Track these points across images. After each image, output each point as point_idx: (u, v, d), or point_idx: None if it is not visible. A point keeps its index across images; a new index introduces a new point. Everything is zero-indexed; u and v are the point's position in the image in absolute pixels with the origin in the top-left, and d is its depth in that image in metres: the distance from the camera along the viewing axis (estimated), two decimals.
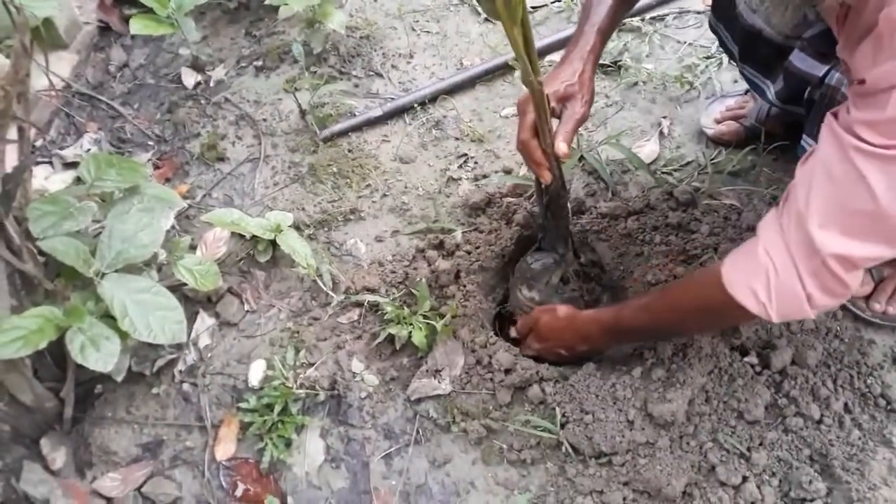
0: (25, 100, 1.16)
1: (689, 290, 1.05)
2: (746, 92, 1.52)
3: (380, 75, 1.79)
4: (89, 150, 1.72)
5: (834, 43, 0.89)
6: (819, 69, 1.06)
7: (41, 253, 1.21)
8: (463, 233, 1.42)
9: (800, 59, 1.08)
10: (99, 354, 1.15)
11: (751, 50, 1.20)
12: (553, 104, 1.06)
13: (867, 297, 1.25)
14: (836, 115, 0.82)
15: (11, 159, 1.13)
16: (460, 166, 1.57)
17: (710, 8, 1.30)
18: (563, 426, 1.16)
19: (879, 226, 0.79)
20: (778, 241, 0.87)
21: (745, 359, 1.19)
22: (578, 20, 1.15)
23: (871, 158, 0.76)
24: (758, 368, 1.18)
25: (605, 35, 1.13)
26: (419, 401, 1.25)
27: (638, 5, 1.56)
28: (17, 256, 1.15)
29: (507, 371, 1.23)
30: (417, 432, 1.22)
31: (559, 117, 1.08)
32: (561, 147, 1.04)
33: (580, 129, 1.16)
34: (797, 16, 0.84)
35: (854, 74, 0.79)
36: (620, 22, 1.17)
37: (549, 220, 1.19)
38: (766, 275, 0.88)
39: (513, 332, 1.32)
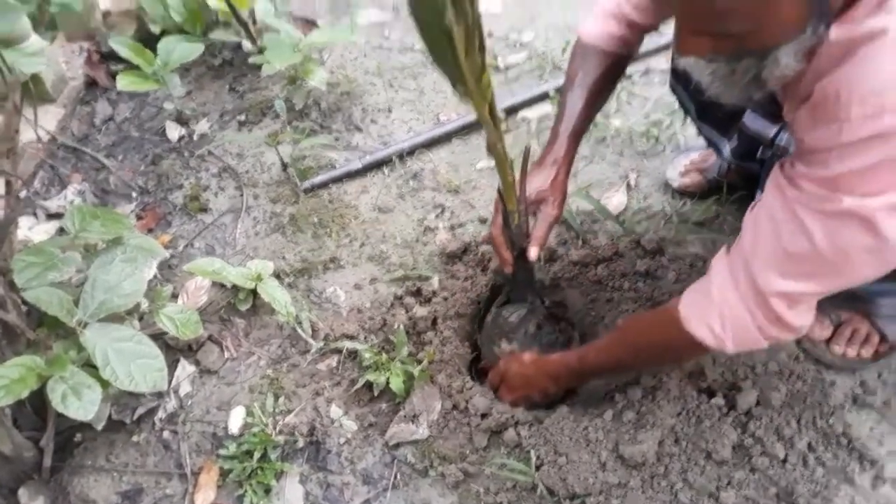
0: (14, 154, 1.20)
1: (648, 328, 1.11)
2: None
3: (359, 129, 1.85)
4: (73, 200, 1.76)
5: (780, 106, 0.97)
6: (770, 129, 1.14)
7: (24, 303, 1.24)
8: (440, 280, 1.47)
9: (752, 120, 1.15)
10: (80, 403, 1.17)
11: (707, 111, 1.28)
12: (527, 205, 1.15)
13: (827, 341, 1.30)
14: (782, 167, 0.88)
15: None
16: (437, 216, 1.62)
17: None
18: (538, 468, 1.18)
19: (816, 268, 0.87)
20: (728, 281, 0.95)
21: (713, 400, 1.23)
22: (554, 120, 1.24)
23: (809, 209, 0.83)
24: (724, 410, 1.22)
25: (577, 138, 1.22)
26: (397, 446, 1.27)
27: None
28: (1, 307, 1.17)
29: (483, 415, 1.26)
30: (395, 477, 1.24)
31: (534, 215, 1.18)
32: (533, 253, 1.17)
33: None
34: (745, 95, 0.92)
35: (796, 135, 0.86)
36: (592, 121, 1.27)
37: (518, 271, 1.24)
38: (719, 311, 0.96)
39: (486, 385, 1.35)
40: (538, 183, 1.18)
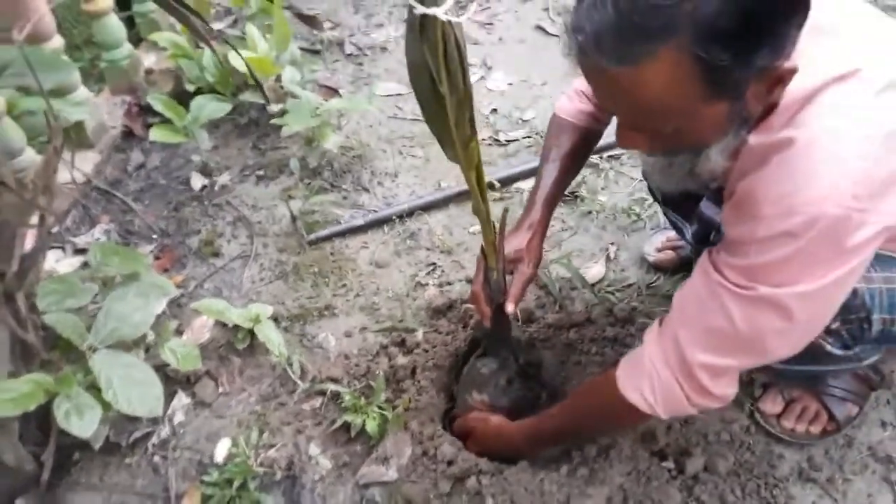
0: (50, 193, 1.35)
1: (589, 394, 1.21)
2: None
3: (366, 190, 2.00)
4: (99, 238, 1.91)
5: None
6: (720, 216, 1.24)
7: (43, 327, 1.37)
8: (423, 333, 1.58)
9: (706, 207, 1.26)
10: (81, 422, 1.29)
11: (670, 197, 1.40)
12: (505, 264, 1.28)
13: (778, 416, 1.37)
14: (710, 253, 0.99)
15: (29, 242, 1.31)
16: (428, 273, 1.74)
17: None
18: None
19: (735, 345, 0.96)
20: (658, 351, 1.04)
21: (663, 463, 1.31)
22: (532, 189, 1.38)
23: (729, 293, 0.93)
24: (674, 473, 1.30)
25: (551, 204, 1.35)
26: (367, 486, 1.36)
27: (597, 145, 1.80)
28: (21, 327, 1.30)
29: (450, 462, 1.35)
30: None
31: (511, 274, 1.30)
32: (509, 308, 1.28)
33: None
34: (682, 186, 1.04)
35: (723, 227, 0.97)
36: (566, 189, 1.40)
37: (494, 328, 1.35)
38: (650, 379, 1.04)
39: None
40: (515, 244, 1.30)
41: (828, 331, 1.01)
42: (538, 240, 1.32)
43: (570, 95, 1.38)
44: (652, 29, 0.74)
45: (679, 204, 1.38)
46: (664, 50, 0.74)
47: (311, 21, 2.41)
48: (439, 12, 0.86)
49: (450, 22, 0.88)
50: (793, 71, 0.80)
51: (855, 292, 0.98)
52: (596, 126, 1.37)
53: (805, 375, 1.29)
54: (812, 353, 1.02)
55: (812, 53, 0.85)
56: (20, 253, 1.27)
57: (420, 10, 0.87)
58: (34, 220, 1.32)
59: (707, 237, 1.28)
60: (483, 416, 1.37)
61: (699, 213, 1.29)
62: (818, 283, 0.86)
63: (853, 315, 1.01)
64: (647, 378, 1.05)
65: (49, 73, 1.44)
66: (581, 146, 1.37)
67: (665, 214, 1.50)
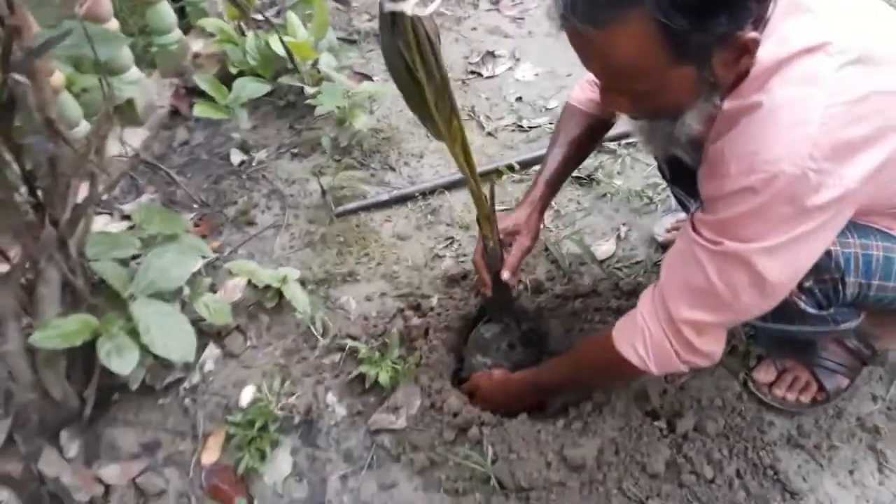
0: (101, 152, 1.49)
1: (588, 349, 1.31)
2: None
3: (393, 169, 2.11)
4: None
5: None
6: None
7: (88, 276, 1.51)
8: (438, 299, 1.68)
9: None
10: (121, 360, 1.41)
11: (677, 173, 1.47)
12: (503, 237, 1.39)
13: (770, 384, 1.44)
14: (692, 215, 1.07)
15: (82, 195, 1.45)
16: (446, 246, 1.84)
17: None
18: (493, 462, 1.35)
19: (714, 300, 1.03)
20: (650, 310, 1.12)
21: (655, 422, 1.38)
22: (539, 169, 1.48)
23: (703, 250, 1.01)
24: (665, 432, 1.37)
25: (553, 185, 1.46)
26: (377, 432, 1.46)
27: (614, 132, 1.89)
28: (71, 272, 1.44)
29: (455, 414, 1.44)
30: (372, 458, 1.43)
31: (510, 246, 1.40)
32: (505, 275, 1.39)
33: (546, 222, 1.48)
34: (665, 149, 1.13)
35: (699, 188, 1.05)
36: (570, 173, 1.51)
37: (496, 295, 1.45)
38: (642, 335, 1.12)
39: None
40: (515, 218, 1.41)
41: (801, 288, 1.08)
42: (537, 215, 1.42)
43: (583, 85, 1.47)
44: None
45: (685, 180, 1.45)
46: (630, 16, 0.83)
47: (342, 1, 2.55)
48: (406, 7, 0.97)
49: (417, 16, 0.99)
50: (755, 41, 0.87)
51: (829, 253, 1.05)
52: (604, 115, 1.45)
53: (790, 339, 1.36)
54: (787, 310, 1.09)
55: (786, 27, 0.93)
56: (73, 202, 1.40)
57: (389, 6, 0.98)
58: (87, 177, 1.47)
59: None
60: (486, 372, 1.46)
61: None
62: (779, 240, 0.94)
63: (826, 275, 1.08)
64: (640, 334, 1.13)
65: (104, 45, 1.58)
66: (588, 132, 1.46)
67: (673, 192, 1.57)
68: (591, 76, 1.45)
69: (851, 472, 1.34)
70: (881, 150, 0.91)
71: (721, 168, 0.96)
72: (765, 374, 1.45)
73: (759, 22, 0.90)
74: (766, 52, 0.92)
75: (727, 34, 0.86)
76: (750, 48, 0.88)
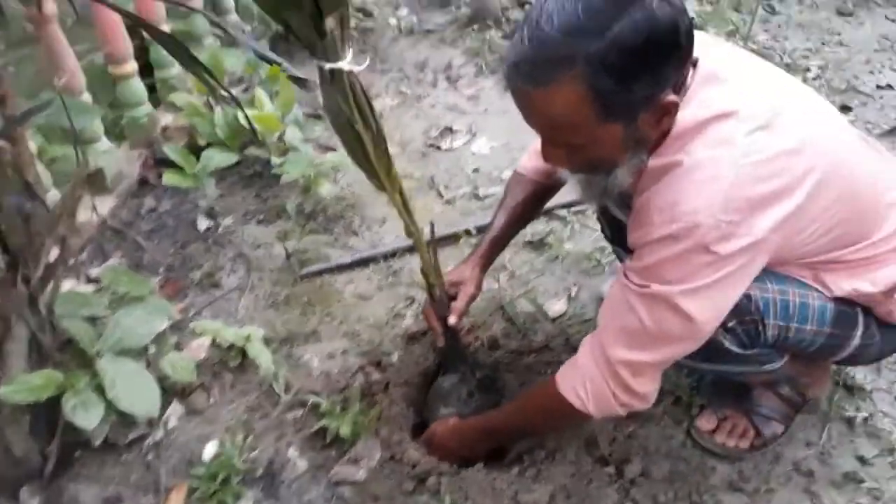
0: (73, 215, 1.56)
1: (533, 394, 1.41)
2: None
3: (356, 234, 2.21)
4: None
5: None
6: None
7: (55, 331, 1.54)
8: (398, 355, 1.75)
9: None
10: (86, 415, 1.45)
11: (616, 233, 1.59)
12: (449, 287, 1.50)
13: (712, 432, 1.52)
14: (623, 265, 1.18)
15: (54, 256, 1.51)
16: (406, 306, 1.92)
17: None
18: None
19: (647, 340, 1.13)
20: (588, 353, 1.21)
21: (605, 468, 1.45)
22: (486, 229, 1.61)
23: (634, 294, 1.11)
24: (613, 477, 1.44)
25: (497, 244, 1.58)
26: (338, 484, 1.49)
27: (564, 200, 2.02)
28: (40, 329, 1.48)
29: (414, 465, 1.49)
30: None
31: (454, 298, 1.50)
32: (451, 320, 1.48)
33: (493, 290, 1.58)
34: (600, 201, 1.25)
35: (628, 237, 1.16)
36: (515, 234, 1.63)
37: (448, 342, 1.53)
38: (582, 378, 1.21)
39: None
40: (460, 271, 1.53)
41: (725, 328, 1.18)
42: (479, 268, 1.54)
43: (530, 154, 1.60)
44: (555, 60, 0.95)
45: (624, 240, 1.57)
46: (565, 77, 0.95)
47: (300, 82, 2.68)
48: (342, 65, 1.10)
49: (352, 71, 1.12)
50: (675, 103, 1.01)
51: (749, 297, 1.16)
52: (548, 182, 1.57)
53: (726, 383, 1.49)
54: (714, 350, 1.19)
55: (703, 96, 1.06)
56: (45, 262, 1.46)
57: (327, 65, 1.10)
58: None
59: None
60: (442, 420, 1.52)
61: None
62: (699, 283, 1.05)
63: (747, 317, 1.19)
64: (580, 378, 1.21)
65: (80, 116, 1.68)
66: (532, 197, 1.58)
67: (614, 252, 1.69)
68: (537, 146, 1.58)
69: None
70: (786, 205, 1.04)
71: (645, 218, 1.07)
72: (706, 422, 1.53)
73: (679, 87, 1.03)
74: (686, 116, 1.05)
75: (650, 96, 0.98)
76: (670, 110, 1.01)
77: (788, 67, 2.78)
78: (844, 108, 2.58)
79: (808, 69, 2.82)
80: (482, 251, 1.55)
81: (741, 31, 2.97)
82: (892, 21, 3.18)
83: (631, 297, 1.12)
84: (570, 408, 1.23)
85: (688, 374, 1.60)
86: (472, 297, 1.50)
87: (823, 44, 3.05)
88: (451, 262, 2.00)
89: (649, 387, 1.19)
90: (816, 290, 1.23)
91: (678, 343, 1.13)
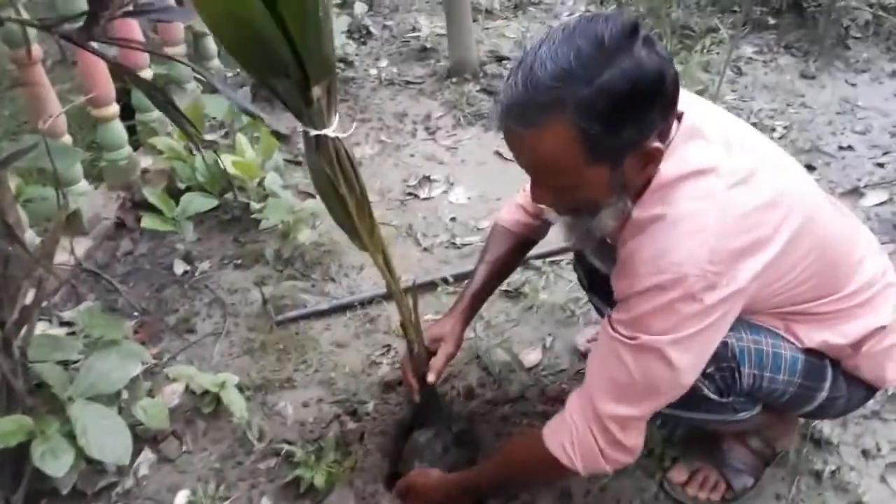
0: (51, 258, 1.55)
1: (518, 449, 1.39)
2: None
3: (333, 280, 2.22)
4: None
5: None
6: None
7: (27, 372, 1.52)
8: (374, 404, 1.75)
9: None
10: (56, 462, 1.42)
11: (593, 282, 1.63)
12: (429, 343, 1.52)
13: (684, 484, 1.54)
14: (608, 317, 1.20)
15: (29, 298, 1.50)
16: (383, 354, 1.93)
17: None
18: None
19: (635, 392, 1.15)
20: (577, 409, 1.22)
21: None
22: (465, 284, 1.63)
23: (623, 345, 1.13)
24: None
25: (477, 299, 1.60)
26: None
27: (540, 251, 2.06)
28: (13, 374, 1.46)
29: None
30: None
31: (434, 353, 1.52)
32: (430, 378, 1.49)
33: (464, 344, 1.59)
34: (584, 243, 1.27)
35: (613, 290, 1.19)
36: (495, 288, 1.65)
37: (424, 398, 1.54)
38: (570, 433, 1.21)
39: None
40: (440, 326, 1.54)
41: (704, 375, 1.20)
42: (460, 325, 1.55)
43: (510, 208, 1.64)
44: (545, 104, 0.98)
45: (601, 290, 1.59)
46: (554, 119, 0.99)
47: (282, 138, 2.73)
48: (329, 132, 1.14)
49: (338, 137, 1.15)
50: (660, 150, 1.05)
51: (726, 344, 1.19)
52: (529, 235, 1.61)
53: (699, 431, 1.49)
54: (693, 397, 1.21)
55: (684, 151, 1.11)
56: (21, 304, 1.45)
57: (313, 132, 1.14)
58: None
59: None
60: (423, 470, 1.52)
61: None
62: (687, 332, 1.08)
63: (724, 363, 1.21)
64: (567, 433, 1.22)
65: (62, 159, 1.69)
66: (513, 251, 1.62)
67: (591, 301, 1.72)
68: (517, 199, 1.62)
69: None
70: (766, 254, 1.09)
71: (631, 269, 1.10)
72: (678, 475, 1.55)
73: (664, 135, 1.07)
74: (669, 169, 1.09)
75: (636, 141, 1.02)
76: (655, 157, 1.05)
77: (755, 126, 2.88)
78: (809, 168, 2.67)
79: (773, 129, 2.92)
80: (463, 307, 1.56)
81: (710, 91, 3.08)
82: (853, 85, 3.32)
83: (620, 349, 1.13)
84: (556, 463, 1.23)
85: (661, 426, 1.62)
86: (451, 356, 1.51)
87: (788, 105, 3.17)
88: (429, 310, 2.04)
89: (637, 440, 1.20)
90: (788, 340, 1.28)
91: (664, 394, 1.15)
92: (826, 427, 1.66)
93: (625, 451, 1.20)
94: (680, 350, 1.10)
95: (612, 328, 1.16)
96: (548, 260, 2.24)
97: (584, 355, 1.90)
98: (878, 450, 1.63)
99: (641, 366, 1.12)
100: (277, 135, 1.18)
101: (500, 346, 1.92)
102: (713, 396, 1.25)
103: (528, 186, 1.61)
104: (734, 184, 1.09)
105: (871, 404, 1.68)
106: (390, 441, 1.68)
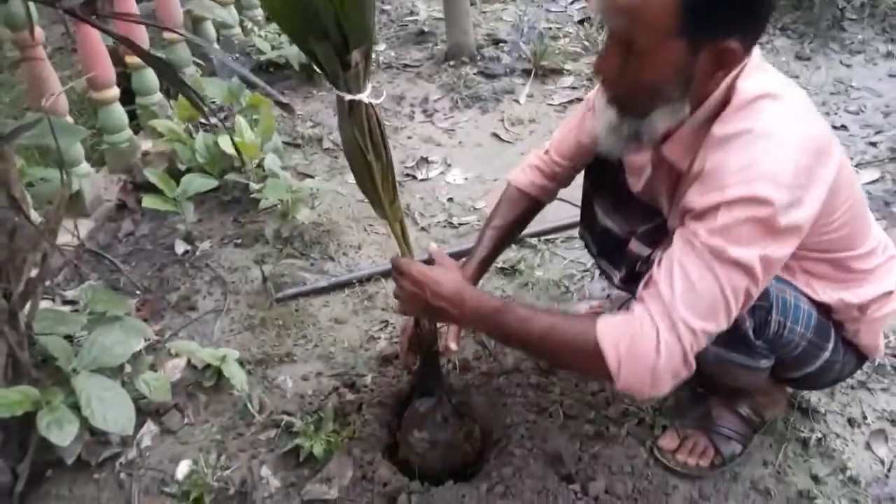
0: (55, 233, 1.59)
1: (570, 325, 1.20)
2: (607, 297, 1.98)
3: (332, 259, 2.25)
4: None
5: (657, 235, 1.36)
6: (647, 251, 1.42)
7: (32, 345, 1.56)
8: (372, 377, 1.78)
9: (635, 246, 1.49)
10: (61, 432, 1.46)
11: (603, 246, 1.64)
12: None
13: (674, 451, 1.58)
14: (685, 228, 1.13)
15: (34, 273, 1.53)
16: (381, 329, 1.97)
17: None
18: None
19: (715, 306, 1.09)
20: (646, 315, 1.11)
21: (570, 486, 1.49)
22: (472, 248, 1.64)
23: (712, 258, 1.08)
24: (579, 494, 1.48)
25: (485, 265, 1.61)
26: (310, 502, 1.51)
27: (535, 229, 2.09)
28: (18, 347, 1.50)
29: (385, 484, 1.52)
30: None
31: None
32: (452, 346, 1.50)
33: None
34: (626, 148, 1.24)
35: (687, 208, 1.13)
36: (503, 250, 1.65)
37: (425, 370, 1.57)
38: (630, 337, 1.10)
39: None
40: None
41: (750, 308, 1.21)
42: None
43: (525, 169, 1.66)
44: None
45: (611, 253, 1.60)
46: None
47: (283, 106, 2.74)
48: (363, 97, 1.16)
49: (371, 104, 1.17)
50: (736, 53, 1.07)
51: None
52: (542, 197, 1.64)
53: (699, 417, 1.52)
54: (735, 334, 1.22)
55: (757, 76, 1.15)
56: (27, 277, 1.48)
57: (348, 97, 1.16)
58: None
59: (633, 277, 1.45)
60: (448, 269, 1.37)
61: (628, 251, 1.48)
62: (771, 249, 1.08)
63: (763, 303, 1.24)
64: (627, 336, 1.11)
65: (65, 136, 1.72)
66: (524, 214, 1.64)
67: (599, 266, 1.74)
68: (533, 161, 1.65)
69: None
70: (826, 184, 1.14)
71: (719, 181, 1.09)
72: (669, 442, 1.59)
73: (745, 48, 1.10)
74: (748, 89, 1.13)
75: (722, 34, 1.06)
76: (729, 59, 1.09)
77: None
78: None
79: None
80: (469, 274, 1.56)
81: None
82: (847, 66, 3.34)
83: (711, 262, 1.08)
84: (597, 360, 1.12)
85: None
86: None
87: None
88: None
89: (693, 363, 1.14)
90: (805, 295, 1.33)
91: (738, 311, 1.12)
92: (813, 397, 1.70)
93: (685, 366, 1.12)
94: (763, 267, 1.09)
95: (697, 238, 1.10)
96: (542, 238, 2.27)
97: None
98: (864, 418, 1.67)
99: (729, 280, 1.08)
100: (282, 105, 1.19)
101: None
102: (751, 336, 1.27)
103: (545, 144, 1.65)
104: (803, 112, 1.15)
105: (859, 375, 1.72)
106: (388, 412, 1.71)
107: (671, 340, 1.08)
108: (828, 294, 1.33)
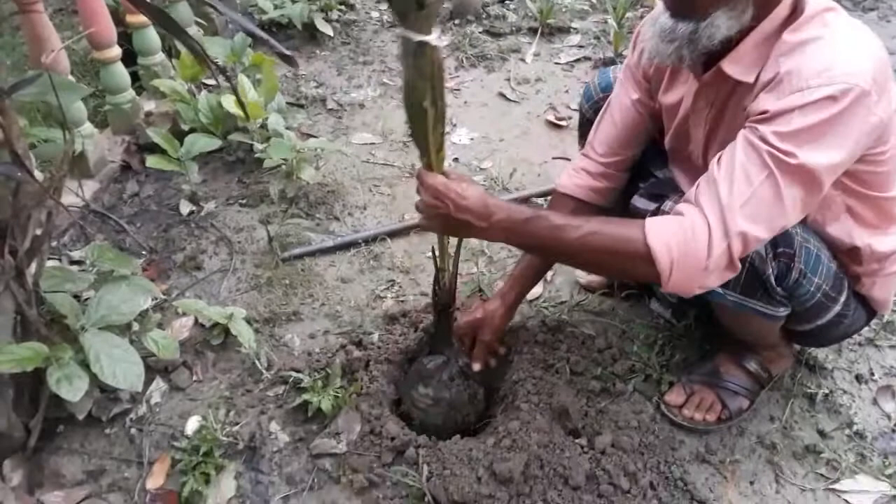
0: (59, 192, 1.58)
1: (611, 230, 1.18)
2: None
3: (337, 219, 2.24)
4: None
5: (663, 189, 1.37)
6: (651, 206, 1.40)
7: (42, 303, 1.57)
8: (379, 335, 1.79)
9: (639, 202, 1.47)
10: (71, 387, 1.47)
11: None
12: (465, 332, 1.61)
13: (680, 406, 1.58)
14: (752, 130, 1.11)
15: (39, 230, 1.53)
16: (387, 288, 1.97)
17: None
18: (428, 480, 1.44)
19: (772, 213, 1.10)
20: (699, 217, 1.11)
21: (577, 440, 1.50)
22: (516, 262, 1.68)
23: (778, 162, 1.07)
24: (585, 448, 1.49)
25: (526, 282, 1.66)
26: (319, 456, 1.53)
27: (538, 190, 2.07)
28: (26, 304, 1.50)
29: (392, 438, 1.53)
30: (313, 481, 1.50)
31: (473, 341, 1.60)
32: (475, 366, 1.58)
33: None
34: (677, 54, 1.20)
35: (758, 111, 1.12)
36: (544, 270, 1.70)
37: (439, 328, 1.57)
38: (683, 237, 1.10)
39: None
40: (483, 312, 1.61)
41: (774, 256, 1.23)
42: (503, 311, 1.61)
43: (569, 173, 1.63)
44: None
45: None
46: None
47: (288, 59, 2.71)
48: (432, 39, 1.12)
49: (437, 47, 1.14)
50: None
51: (791, 234, 1.22)
52: (594, 198, 1.60)
53: (707, 372, 1.54)
54: (757, 279, 1.24)
55: None
56: (32, 233, 1.48)
57: (418, 37, 1.12)
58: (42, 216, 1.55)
59: None
60: (463, 186, 1.25)
61: (632, 206, 1.48)
62: (837, 155, 1.09)
63: (789, 249, 1.23)
64: (680, 235, 1.10)
65: (67, 94, 1.70)
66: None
67: (633, 206, 1.71)
68: (578, 163, 1.62)
69: (752, 483, 1.48)
70: (893, 98, 1.14)
71: (796, 84, 1.09)
72: (675, 397, 1.59)
73: None
74: (815, 3, 1.15)
75: None
76: None
77: None
78: None
79: None
80: (505, 290, 1.64)
81: None
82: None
83: (774, 167, 1.08)
84: (646, 259, 1.11)
85: (672, 314, 1.70)
86: (490, 346, 1.61)
87: None
88: (429, 245, 2.07)
89: (739, 265, 1.14)
90: (836, 242, 1.34)
91: (790, 223, 1.14)
92: (821, 353, 1.70)
93: (732, 269, 1.13)
94: (827, 176, 1.10)
95: (765, 142, 1.09)
96: (549, 198, 2.25)
97: (584, 288, 1.93)
98: (872, 374, 1.67)
99: (790, 190, 1.08)
100: (286, 58, 1.16)
101: (503, 280, 1.94)
102: (772, 283, 1.27)
103: (585, 151, 1.60)
104: (867, 29, 1.17)
105: (867, 331, 1.72)
106: (395, 368, 1.72)
107: (723, 244, 1.09)
108: (862, 239, 1.33)
